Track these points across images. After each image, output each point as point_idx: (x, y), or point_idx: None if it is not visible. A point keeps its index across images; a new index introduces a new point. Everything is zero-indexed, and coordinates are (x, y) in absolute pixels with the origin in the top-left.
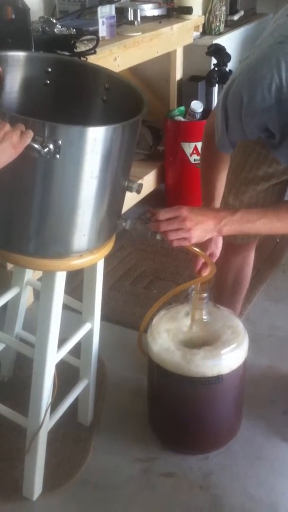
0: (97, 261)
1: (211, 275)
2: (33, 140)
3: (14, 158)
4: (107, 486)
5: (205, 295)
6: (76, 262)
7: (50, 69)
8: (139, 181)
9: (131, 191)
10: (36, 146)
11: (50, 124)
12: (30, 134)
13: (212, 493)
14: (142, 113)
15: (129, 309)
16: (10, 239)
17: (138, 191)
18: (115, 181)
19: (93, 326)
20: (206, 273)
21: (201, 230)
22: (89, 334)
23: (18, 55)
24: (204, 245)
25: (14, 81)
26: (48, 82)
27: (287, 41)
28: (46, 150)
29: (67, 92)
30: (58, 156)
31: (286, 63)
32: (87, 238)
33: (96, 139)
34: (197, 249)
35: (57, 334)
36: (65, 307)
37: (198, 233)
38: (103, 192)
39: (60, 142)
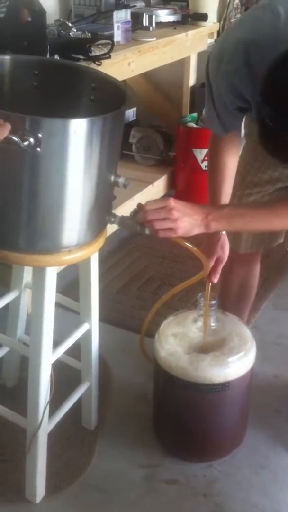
0: (87, 257)
1: (206, 273)
2: (13, 133)
3: None
4: (110, 490)
5: (213, 302)
6: (66, 258)
7: (37, 72)
8: (150, 185)
9: (118, 186)
10: (15, 139)
11: (28, 117)
12: (8, 126)
13: (216, 501)
14: (124, 106)
15: (136, 313)
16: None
17: (125, 186)
18: (100, 175)
19: (91, 327)
20: (215, 278)
21: (188, 222)
22: (88, 334)
23: (3, 58)
24: (210, 249)
25: (3, 84)
26: (36, 84)
27: (266, 6)
28: (26, 143)
29: (56, 93)
30: (38, 149)
31: (254, 26)
32: (76, 233)
33: (76, 132)
34: (189, 245)
35: (51, 332)
36: (67, 309)
37: (185, 225)
38: (88, 186)
39: (40, 135)
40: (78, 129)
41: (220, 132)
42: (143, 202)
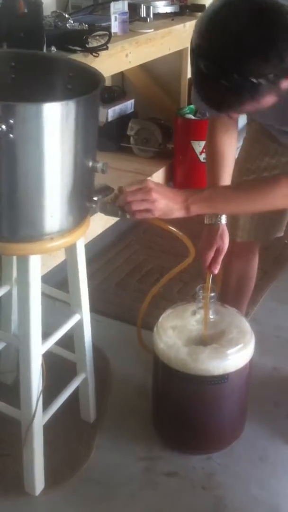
0: (70, 244)
1: (191, 259)
2: None
3: None
4: (110, 483)
5: (212, 294)
6: (49, 246)
7: (13, 64)
8: (149, 177)
9: (96, 171)
10: None
11: None
12: None
13: (215, 493)
14: (97, 90)
15: (136, 306)
16: None
17: (104, 171)
18: (77, 161)
19: (82, 317)
20: (216, 269)
21: (166, 204)
22: (79, 325)
23: None
24: (210, 240)
25: None
26: (13, 76)
27: None
28: None
29: (34, 84)
30: (11, 135)
31: None
32: (57, 220)
33: (48, 116)
34: (173, 228)
35: (39, 322)
36: (64, 302)
37: (162, 207)
38: (66, 171)
39: (11, 121)
40: (51, 113)
41: (206, 110)
42: None
